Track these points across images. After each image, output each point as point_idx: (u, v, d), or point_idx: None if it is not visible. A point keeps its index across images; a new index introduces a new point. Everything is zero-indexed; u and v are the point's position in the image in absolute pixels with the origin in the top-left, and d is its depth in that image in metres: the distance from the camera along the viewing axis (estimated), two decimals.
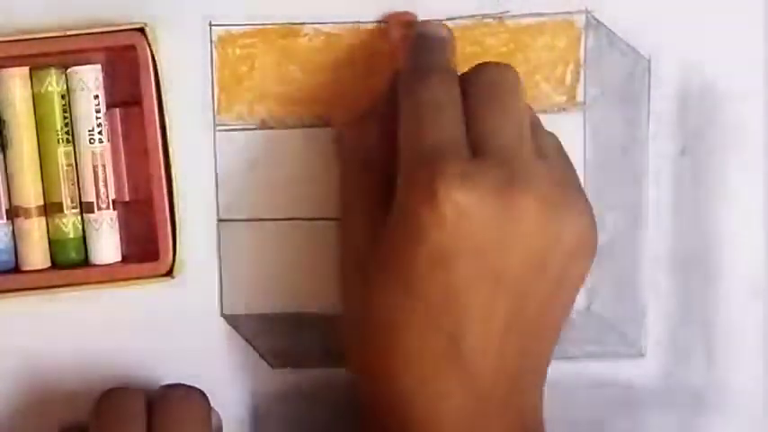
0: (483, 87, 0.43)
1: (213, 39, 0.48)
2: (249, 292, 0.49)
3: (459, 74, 0.45)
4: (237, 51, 0.48)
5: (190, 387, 0.46)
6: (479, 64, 0.44)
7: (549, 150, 0.44)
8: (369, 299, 0.43)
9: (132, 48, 0.46)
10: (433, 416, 0.42)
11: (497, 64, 0.45)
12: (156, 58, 0.46)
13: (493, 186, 0.41)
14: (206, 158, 0.49)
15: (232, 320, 0.49)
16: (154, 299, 0.48)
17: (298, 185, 0.49)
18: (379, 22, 0.48)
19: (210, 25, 0.48)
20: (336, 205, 0.48)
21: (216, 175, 0.49)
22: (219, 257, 0.49)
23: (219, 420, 0.47)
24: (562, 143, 0.46)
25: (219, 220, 0.49)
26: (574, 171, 0.45)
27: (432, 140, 0.42)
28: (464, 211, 0.40)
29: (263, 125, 0.49)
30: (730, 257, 0.50)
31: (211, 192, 0.49)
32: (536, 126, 0.45)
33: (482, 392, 0.42)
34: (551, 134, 0.46)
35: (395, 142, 0.43)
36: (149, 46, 0.46)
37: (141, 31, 0.46)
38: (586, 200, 0.44)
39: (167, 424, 0.44)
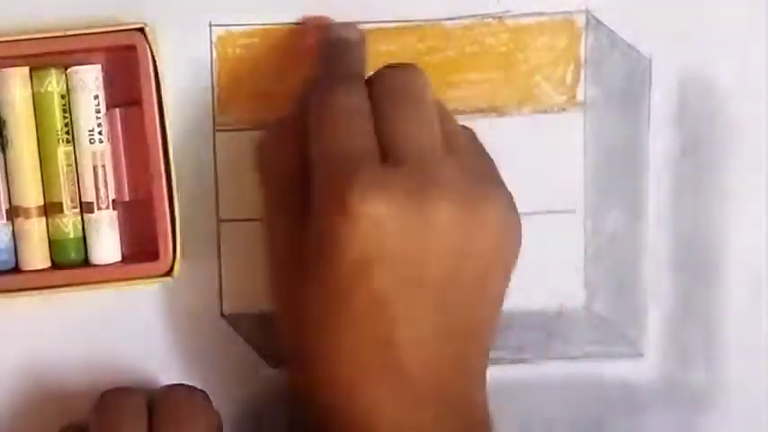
0: (389, 91, 0.43)
1: (213, 39, 0.48)
2: (249, 292, 0.49)
3: (376, 72, 0.44)
4: (237, 51, 0.48)
5: (191, 387, 0.46)
6: (384, 67, 0.44)
7: (461, 143, 0.44)
8: (296, 309, 0.43)
9: (132, 48, 0.46)
10: (368, 423, 0.42)
11: (402, 65, 0.44)
12: (156, 58, 0.46)
13: (405, 192, 0.41)
14: (206, 158, 0.49)
15: (232, 320, 0.49)
16: (154, 299, 0.48)
17: None
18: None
19: (210, 25, 0.48)
20: None
21: (216, 175, 0.49)
22: (219, 257, 0.49)
23: (220, 420, 0.47)
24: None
25: (220, 220, 0.49)
26: (488, 161, 0.45)
27: (341, 149, 0.42)
28: (378, 219, 0.40)
29: (263, 125, 0.49)
30: (730, 257, 0.50)
31: (211, 192, 0.49)
32: (446, 120, 0.44)
33: (417, 398, 0.42)
34: (463, 126, 0.45)
35: (304, 148, 0.43)
36: (149, 46, 0.46)
37: (141, 30, 0.46)
38: (504, 189, 0.43)
39: (168, 424, 0.44)
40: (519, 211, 0.44)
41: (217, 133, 0.49)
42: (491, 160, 0.45)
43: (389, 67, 0.44)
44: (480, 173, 0.43)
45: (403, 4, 0.48)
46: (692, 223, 0.50)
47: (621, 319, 0.50)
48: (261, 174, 0.46)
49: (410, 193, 0.41)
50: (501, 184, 0.44)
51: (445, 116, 0.44)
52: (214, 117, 0.48)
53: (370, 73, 0.44)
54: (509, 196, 0.43)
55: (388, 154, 0.41)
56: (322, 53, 0.46)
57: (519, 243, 0.44)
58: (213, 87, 0.48)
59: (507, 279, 0.44)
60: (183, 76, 0.48)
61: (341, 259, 0.41)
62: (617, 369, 0.50)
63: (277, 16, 0.48)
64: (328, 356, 0.42)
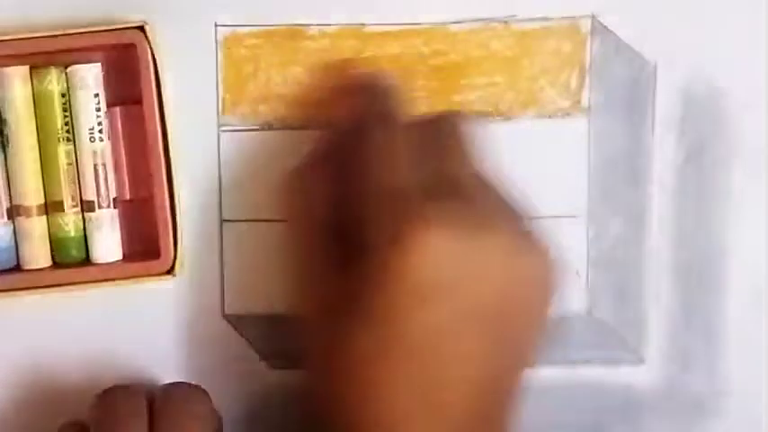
0: (441, 133, 0.44)
1: (218, 39, 0.48)
2: (251, 293, 0.49)
3: (414, 119, 0.45)
4: (243, 52, 0.48)
5: (191, 385, 0.46)
6: (437, 114, 0.46)
7: (500, 192, 0.45)
8: (339, 354, 0.42)
9: (132, 46, 0.46)
10: None
11: (454, 112, 0.46)
12: (156, 57, 0.46)
13: (458, 226, 0.41)
14: (210, 159, 0.48)
15: (234, 321, 0.49)
16: (155, 299, 0.48)
17: None
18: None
19: (216, 26, 0.48)
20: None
21: (219, 175, 0.49)
22: (222, 258, 0.49)
23: (220, 419, 0.47)
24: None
25: (223, 221, 0.49)
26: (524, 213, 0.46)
27: (395, 184, 0.42)
28: (438, 251, 0.41)
29: (268, 126, 0.49)
30: (732, 264, 0.50)
31: (215, 192, 0.49)
32: (483, 170, 0.45)
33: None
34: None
35: (340, 187, 0.43)
36: (150, 44, 0.46)
37: (141, 29, 0.46)
38: (542, 240, 0.44)
39: (169, 422, 0.44)
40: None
41: (221, 134, 0.48)
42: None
43: (443, 113, 0.46)
44: (525, 221, 0.44)
45: (408, 7, 0.48)
46: (694, 229, 0.50)
47: (623, 324, 0.50)
48: (291, 221, 0.46)
49: (462, 224, 0.41)
50: (539, 235, 0.44)
51: (482, 165, 0.45)
52: (218, 117, 0.48)
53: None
54: (549, 250, 0.44)
55: (438, 191, 0.42)
56: (360, 97, 0.46)
57: (556, 291, 0.44)
58: (218, 88, 0.48)
59: (544, 329, 0.44)
60: (189, 76, 0.48)
61: (398, 292, 0.41)
62: (618, 375, 0.50)
63: (282, 17, 0.48)
64: (374, 398, 0.42)
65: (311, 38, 0.48)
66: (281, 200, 0.47)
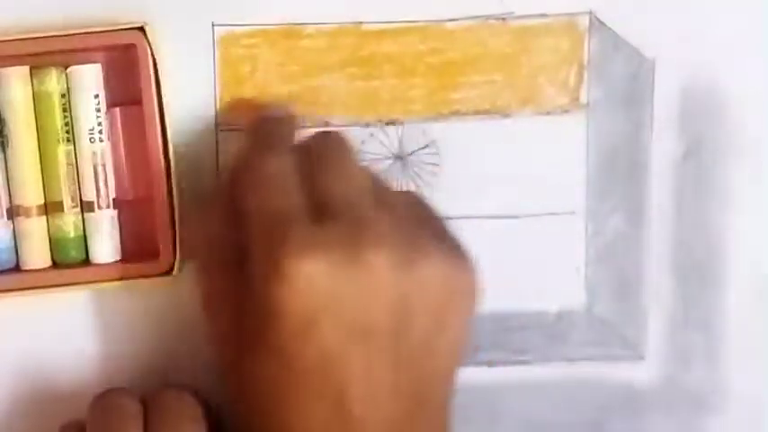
0: (317, 153, 0.43)
1: (216, 39, 0.48)
2: None
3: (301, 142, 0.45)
4: (240, 51, 0.48)
5: (181, 388, 0.46)
6: (311, 135, 0.45)
7: (397, 201, 0.44)
8: (245, 381, 0.42)
9: (132, 47, 0.46)
10: None
11: (328, 132, 0.45)
12: (156, 57, 0.46)
13: (339, 247, 0.40)
14: (208, 158, 0.48)
15: None
16: (154, 299, 0.48)
17: None
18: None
19: (213, 25, 0.48)
20: None
21: (218, 174, 0.49)
22: None
23: (212, 419, 0.46)
24: (418, 198, 0.46)
25: None
26: (432, 219, 0.45)
27: (273, 210, 0.41)
28: (314, 277, 0.40)
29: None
30: (732, 260, 0.50)
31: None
32: (378, 182, 0.45)
33: None
34: (406, 191, 0.46)
35: (237, 222, 0.43)
36: (149, 45, 0.46)
37: (141, 30, 0.46)
38: (448, 245, 0.43)
39: (161, 426, 0.45)
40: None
41: (219, 133, 0.48)
42: (435, 219, 0.45)
43: (316, 134, 0.45)
44: (418, 230, 0.43)
45: (406, 4, 0.48)
46: (693, 226, 0.50)
47: (622, 321, 0.50)
48: (194, 255, 0.46)
49: (343, 246, 0.40)
50: (445, 239, 0.43)
51: (377, 180, 0.45)
52: (216, 117, 0.48)
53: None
54: (455, 250, 0.43)
55: (320, 214, 0.41)
56: (253, 129, 0.46)
57: (471, 297, 0.43)
58: (215, 87, 0.48)
59: (464, 332, 0.43)
60: (186, 75, 0.48)
61: (283, 323, 0.40)
62: (617, 371, 0.50)
63: (279, 17, 0.48)
64: (283, 425, 0.41)
65: (308, 36, 0.48)
66: (188, 235, 0.46)
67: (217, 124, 0.48)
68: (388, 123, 0.49)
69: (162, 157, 0.46)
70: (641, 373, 0.50)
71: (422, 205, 0.45)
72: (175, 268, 0.47)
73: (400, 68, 0.48)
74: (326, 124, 0.48)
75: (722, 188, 0.49)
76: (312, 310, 0.40)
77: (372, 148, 0.49)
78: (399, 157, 0.49)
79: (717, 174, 0.49)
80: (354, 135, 0.48)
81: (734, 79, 0.49)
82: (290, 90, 0.48)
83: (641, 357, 0.50)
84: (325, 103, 0.48)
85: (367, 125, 0.49)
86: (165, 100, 0.46)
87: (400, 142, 0.49)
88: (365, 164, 0.45)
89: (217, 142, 0.48)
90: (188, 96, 0.48)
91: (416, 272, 0.41)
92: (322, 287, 0.40)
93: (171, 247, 0.47)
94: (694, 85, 0.49)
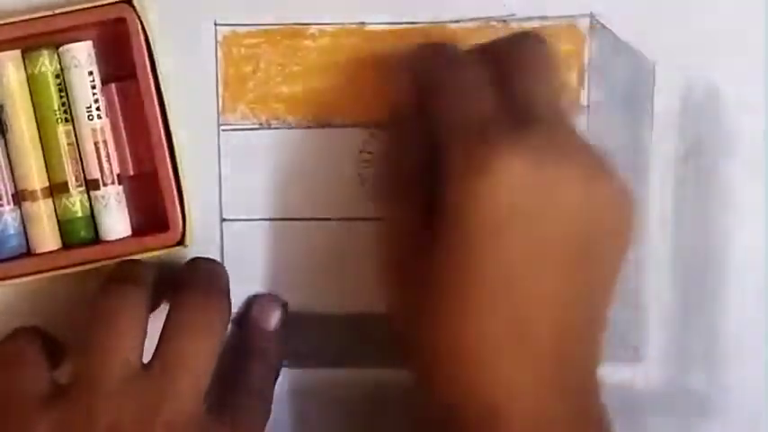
0: (517, 59, 0.44)
1: (218, 38, 0.48)
2: (252, 292, 0.49)
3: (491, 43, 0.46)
4: (242, 51, 0.48)
5: (210, 289, 0.46)
6: (510, 35, 0.46)
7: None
8: (426, 280, 0.42)
9: (122, 20, 0.46)
10: (497, 413, 0.42)
11: (525, 34, 0.45)
12: (146, 29, 0.46)
13: (541, 150, 0.41)
14: (210, 158, 0.49)
15: (234, 321, 0.49)
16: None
17: (300, 186, 0.49)
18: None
19: (216, 25, 0.48)
20: (337, 206, 0.49)
21: (219, 174, 0.49)
22: (222, 257, 0.49)
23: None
24: None
25: (222, 220, 0.49)
26: None
27: (474, 115, 0.42)
28: (516, 176, 0.41)
29: (267, 125, 0.49)
30: (732, 262, 0.50)
31: (215, 191, 0.49)
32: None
33: (543, 377, 0.42)
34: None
35: (423, 141, 0.44)
36: (139, 17, 0.45)
37: (129, 2, 0.46)
38: (616, 169, 0.44)
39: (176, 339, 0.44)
40: None
41: (221, 133, 0.49)
42: None
43: (511, 37, 0.46)
44: (602, 154, 0.44)
45: (408, 5, 0.48)
46: (693, 227, 0.50)
47: (622, 322, 0.50)
48: (384, 172, 0.47)
49: (545, 150, 0.41)
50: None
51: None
52: (218, 117, 0.49)
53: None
54: (628, 186, 0.44)
55: (517, 118, 0.42)
56: (433, 50, 0.47)
57: (634, 226, 0.44)
58: (218, 87, 0.48)
59: (622, 261, 0.44)
60: (188, 75, 0.48)
61: (477, 220, 0.41)
62: (617, 373, 0.50)
63: (282, 16, 0.48)
64: (461, 329, 0.42)
65: (311, 37, 0.48)
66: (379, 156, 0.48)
67: (219, 124, 0.49)
68: None
69: (162, 126, 0.46)
70: (641, 375, 0.50)
71: None
72: (187, 238, 0.46)
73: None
74: (329, 124, 0.49)
75: (722, 190, 0.49)
76: (509, 211, 0.41)
77: (373, 148, 0.49)
78: None
79: (716, 176, 0.49)
80: (355, 135, 0.49)
81: (733, 81, 0.49)
82: (292, 90, 0.49)
83: (641, 359, 0.50)
84: (326, 103, 0.49)
85: (368, 125, 0.49)
86: (159, 71, 0.46)
87: None
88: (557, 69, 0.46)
89: (218, 142, 0.49)
90: (190, 96, 0.48)
91: (600, 189, 0.42)
92: (524, 190, 0.41)
93: (180, 218, 0.46)
94: (694, 87, 0.49)
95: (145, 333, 0.44)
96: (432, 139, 0.43)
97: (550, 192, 0.41)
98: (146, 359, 0.44)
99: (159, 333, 0.44)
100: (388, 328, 0.46)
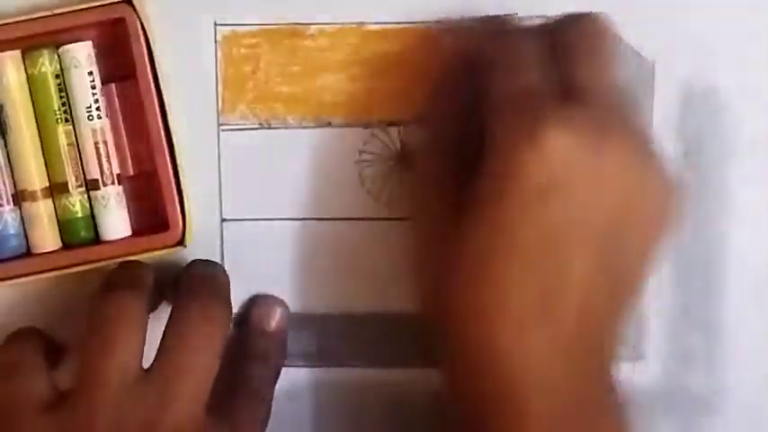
0: (577, 36, 0.45)
1: (218, 38, 0.48)
2: (252, 293, 0.49)
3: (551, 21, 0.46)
4: (242, 51, 0.48)
5: (210, 299, 0.46)
6: (573, 15, 0.46)
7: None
8: (456, 247, 0.43)
9: (122, 20, 0.46)
10: (522, 368, 0.42)
11: (583, 17, 0.46)
12: (146, 29, 0.46)
13: (589, 129, 0.42)
14: (210, 158, 0.49)
15: (235, 320, 0.49)
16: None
17: (300, 186, 0.49)
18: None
19: (215, 25, 0.48)
20: (337, 206, 0.49)
21: (219, 174, 0.49)
22: (222, 257, 0.49)
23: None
24: None
25: (223, 220, 0.49)
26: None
27: (528, 86, 0.43)
28: (562, 150, 0.41)
29: (267, 125, 0.49)
30: (732, 262, 0.50)
31: (215, 191, 0.49)
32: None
33: (567, 347, 0.42)
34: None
35: (466, 112, 0.44)
36: (138, 17, 0.45)
37: (129, 2, 0.46)
38: (662, 157, 0.44)
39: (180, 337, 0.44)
40: None
41: (221, 133, 0.49)
42: None
43: (568, 18, 0.46)
44: (650, 137, 0.44)
45: (408, 5, 0.48)
46: (693, 226, 0.50)
47: None
48: (426, 142, 0.47)
49: (594, 130, 0.42)
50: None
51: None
52: (218, 116, 0.49)
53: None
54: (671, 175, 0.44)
55: (570, 95, 0.42)
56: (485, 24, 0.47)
57: (672, 218, 0.44)
58: (217, 87, 0.48)
59: (653, 252, 0.44)
60: (188, 75, 0.48)
61: (519, 188, 0.41)
62: (617, 372, 0.50)
63: (281, 16, 0.48)
64: (489, 299, 0.42)
65: (310, 37, 0.48)
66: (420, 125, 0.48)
67: (219, 124, 0.49)
68: (389, 124, 0.49)
69: (162, 126, 0.46)
70: (642, 374, 0.50)
71: None
72: (187, 238, 0.47)
73: (402, 69, 0.48)
74: (329, 124, 0.49)
75: (722, 189, 0.50)
76: (552, 183, 0.41)
77: (373, 148, 0.49)
78: (401, 157, 0.49)
79: (716, 175, 0.50)
80: (355, 135, 0.49)
81: (733, 81, 0.49)
82: (292, 90, 0.48)
83: (641, 358, 0.50)
84: (326, 103, 0.49)
85: (368, 125, 0.49)
86: (159, 72, 0.46)
87: (402, 142, 0.49)
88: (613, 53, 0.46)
89: (218, 142, 0.49)
90: (190, 96, 0.48)
91: (646, 174, 0.43)
92: (569, 163, 0.41)
93: (180, 218, 0.46)
94: (694, 86, 0.49)
95: (144, 338, 0.44)
96: (476, 110, 0.44)
97: (595, 171, 0.42)
98: (145, 363, 0.44)
99: (159, 334, 0.44)
100: (414, 324, 0.46)
